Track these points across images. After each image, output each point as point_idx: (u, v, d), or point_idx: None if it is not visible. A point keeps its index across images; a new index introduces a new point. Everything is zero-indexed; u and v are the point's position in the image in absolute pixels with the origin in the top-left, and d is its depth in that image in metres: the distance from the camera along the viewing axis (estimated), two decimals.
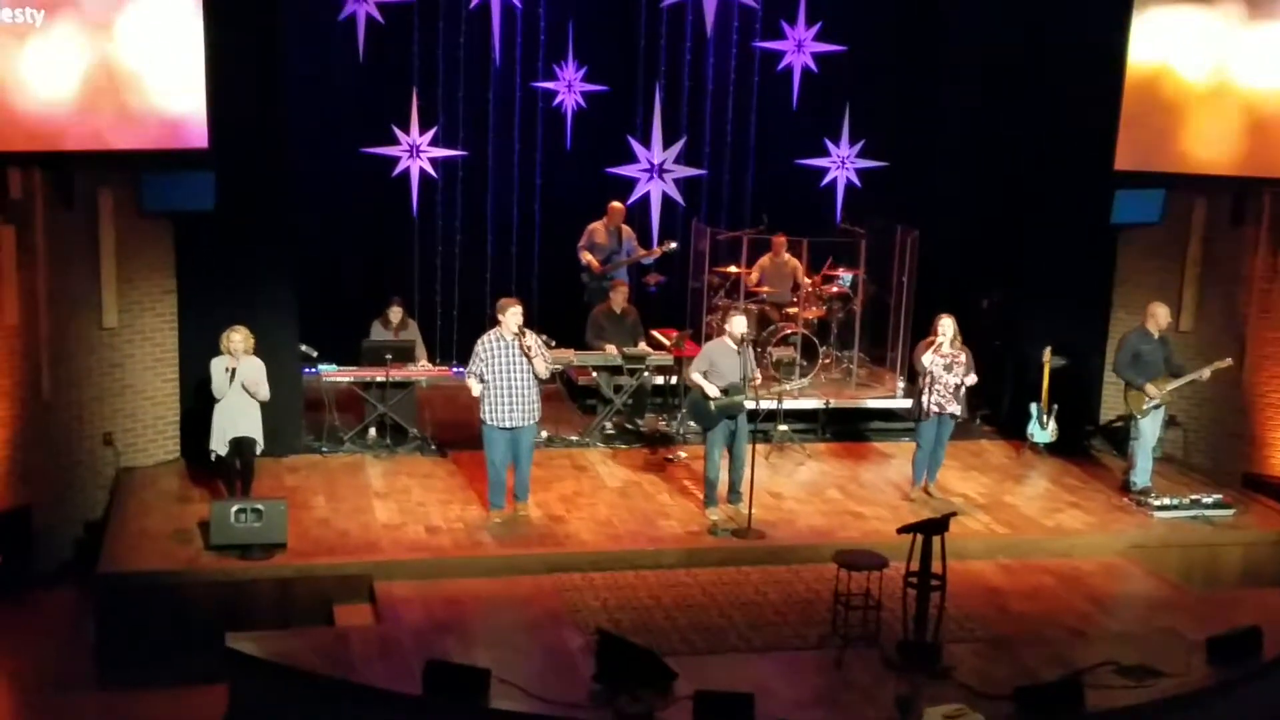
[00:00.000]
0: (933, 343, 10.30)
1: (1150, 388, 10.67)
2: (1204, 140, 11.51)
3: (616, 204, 13.44)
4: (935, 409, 10.33)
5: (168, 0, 9.75)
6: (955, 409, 10.39)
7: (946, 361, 10.26)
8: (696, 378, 9.88)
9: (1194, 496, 10.56)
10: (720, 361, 9.87)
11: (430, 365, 11.77)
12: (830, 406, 12.27)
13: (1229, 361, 10.94)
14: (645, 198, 14.33)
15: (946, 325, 10.27)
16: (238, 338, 9.50)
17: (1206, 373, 10.77)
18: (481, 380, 9.59)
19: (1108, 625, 8.69)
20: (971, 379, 10.37)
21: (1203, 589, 9.80)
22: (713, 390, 9.77)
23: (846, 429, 12.37)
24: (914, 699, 7.43)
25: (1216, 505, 10.47)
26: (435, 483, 10.65)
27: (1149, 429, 10.79)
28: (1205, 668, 7.91)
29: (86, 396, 10.29)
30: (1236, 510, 10.53)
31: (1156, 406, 10.77)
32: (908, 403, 11.87)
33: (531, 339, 9.58)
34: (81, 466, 10.30)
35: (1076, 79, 11.54)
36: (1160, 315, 10.80)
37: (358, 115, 13.31)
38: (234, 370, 9.45)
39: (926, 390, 10.27)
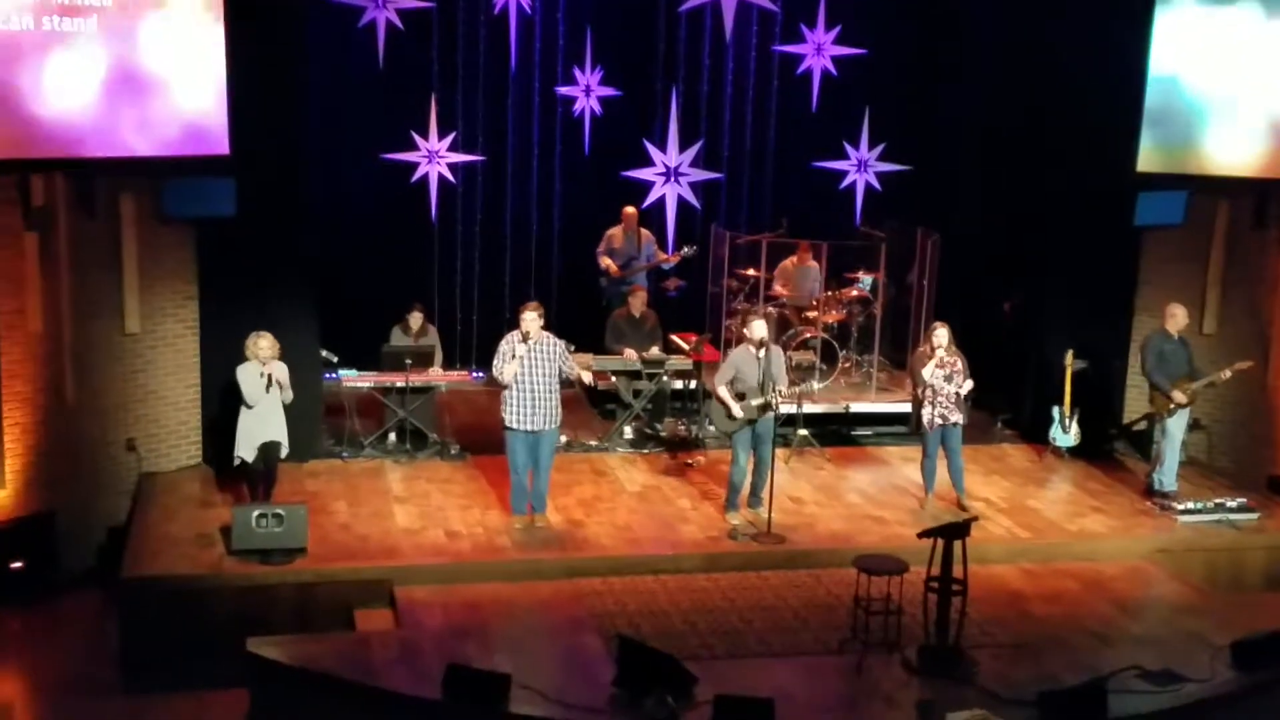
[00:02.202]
0: (928, 353, 10.19)
1: (1176, 392, 10.61)
2: (1226, 142, 11.45)
3: (630, 209, 13.45)
4: (939, 420, 10.21)
5: (189, 7, 9.81)
6: (957, 417, 10.23)
7: (946, 372, 10.13)
8: (721, 391, 9.85)
9: (1218, 500, 10.48)
10: (744, 367, 9.85)
11: (441, 370, 11.74)
12: (850, 410, 12.23)
13: (1250, 363, 10.88)
14: (661, 201, 14.34)
15: (941, 335, 10.14)
16: (264, 343, 9.46)
17: (1227, 373, 10.74)
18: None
19: (1131, 629, 8.63)
20: (968, 385, 10.20)
21: (1227, 593, 9.75)
22: (737, 410, 9.74)
23: (866, 433, 12.33)
24: (935, 704, 7.40)
25: (1240, 509, 10.40)
26: (455, 487, 10.66)
27: (1176, 429, 10.74)
28: (1230, 672, 7.87)
29: (109, 402, 10.35)
30: (1261, 514, 10.45)
31: (1184, 406, 10.71)
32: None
33: (535, 344, 9.52)
34: (104, 472, 10.35)
35: (1098, 81, 11.49)
36: (1179, 315, 10.76)
37: (377, 121, 13.35)
38: (269, 376, 9.43)
39: (929, 403, 10.18)
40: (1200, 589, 9.55)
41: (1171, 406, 10.62)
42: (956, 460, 10.44)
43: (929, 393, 10.17)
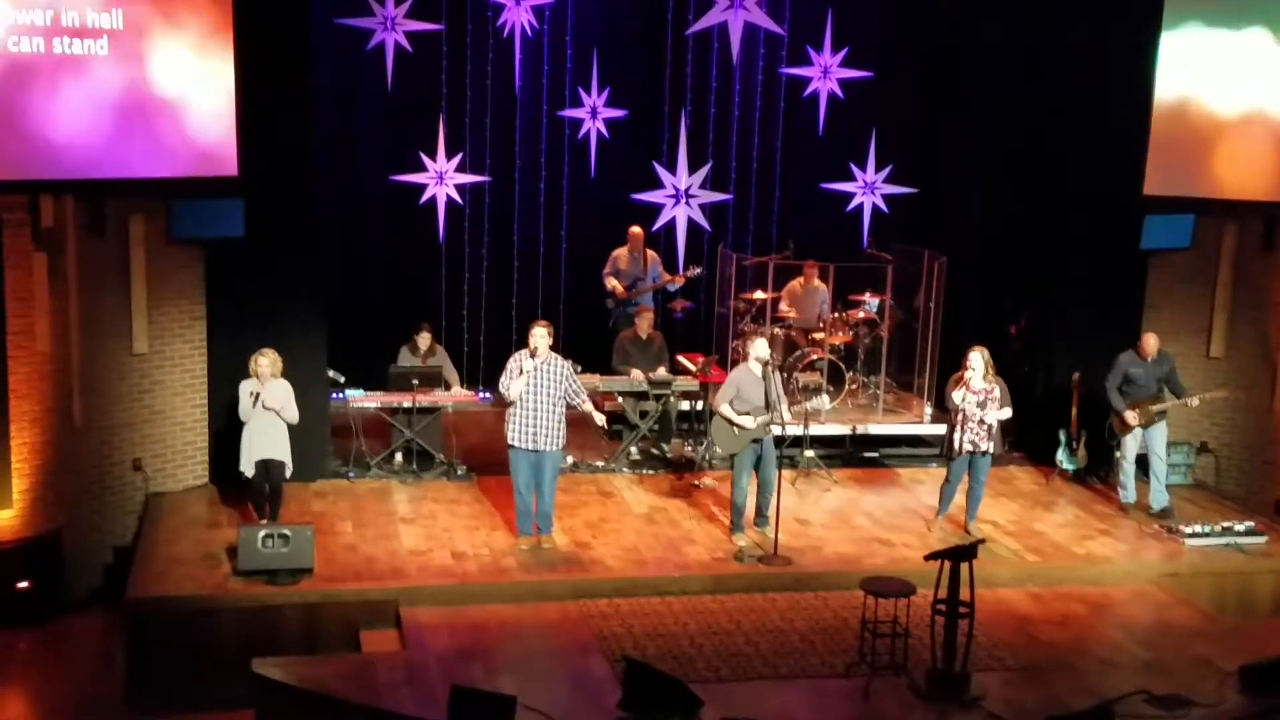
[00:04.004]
0: (961, 378, 10.08)
1: (1129, 414, 10.74)
2: (1234, 165, 11.48)
3: (635, 229, 13.46)
4: (969, 447, 10.04)
5: (200, 29, 9.88)
6: (988, 446, 10.05)
7: (980, 398, 9.94)
8: (724, 409, 9.85)
9: (1225, 524, 10.45)
10: (746, 387, 9.86)
11: (450, 390, 11.74)
12: (857, 432, 12.23)
13: (1224, 393, 11.03)
14: (671, 223, 14.37)
15: (976, 359, 9.96)
16: (265, 361, 9.55)
17: (1195, 400, 10.92)
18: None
19: (1139, 654, 8.60)
20: (1006, 413, 10.03)
21: (1235, 618, 9.72)
22: (746, 421, 9.73)
23: (873, 455, 12.32)
24: None
25: (1248, 533, 10.37)
26: (461, 508, 10.67)
27: (1157, 445, 10.86)
28: (1237, 697, 7.84)
29: (116, 422, 10.37)
30: (1269, 538, 10.42)
31: (1145, 426, 10.80)
32: (934, 429, 11.83)
33: (541, 363, 9.51)
34: (111, 492, 10.37)
35: (1105, 104, 11.52)
36: (1148, 342, 10.86)
37: (385, 143, 13.42)
38: (258, 394, 9.50)
39: (959, 428, 10.03)
40: (1208, 613, 9.51)
41: (1118, 427, 10.69)
42: (978, 490, 10.32)
43: (960, 417, 10.02)
